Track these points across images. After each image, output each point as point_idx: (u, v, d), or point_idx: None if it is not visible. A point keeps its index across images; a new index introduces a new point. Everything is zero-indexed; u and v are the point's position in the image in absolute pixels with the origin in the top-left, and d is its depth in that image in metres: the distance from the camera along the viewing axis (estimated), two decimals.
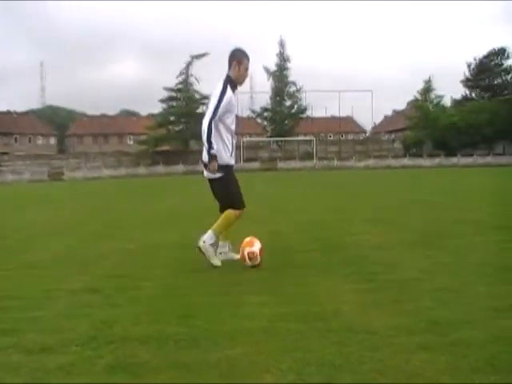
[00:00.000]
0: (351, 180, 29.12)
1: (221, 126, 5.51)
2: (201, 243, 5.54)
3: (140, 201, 17.17)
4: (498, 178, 27.25)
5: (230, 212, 5.64)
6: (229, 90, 5.51)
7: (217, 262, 5.58)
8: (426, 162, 59.67)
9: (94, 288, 4.75)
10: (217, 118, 5.40)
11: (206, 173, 5.70)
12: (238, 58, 5.65)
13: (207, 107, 5.63)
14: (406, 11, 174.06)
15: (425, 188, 20.03)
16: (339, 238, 7.37)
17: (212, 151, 5.38)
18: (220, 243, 5.84)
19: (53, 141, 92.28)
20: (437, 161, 59.57)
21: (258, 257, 5.41)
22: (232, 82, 5.60)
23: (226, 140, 5.57)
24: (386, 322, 3.54)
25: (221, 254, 5.82)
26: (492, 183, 22.49)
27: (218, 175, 5.54)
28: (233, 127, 5.67)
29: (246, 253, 5.42)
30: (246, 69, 5.71)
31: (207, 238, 5.54)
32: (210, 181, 5.76)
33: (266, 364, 2.90)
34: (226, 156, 5.58)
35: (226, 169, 5.55)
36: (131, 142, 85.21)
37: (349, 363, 2.90)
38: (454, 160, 59.11)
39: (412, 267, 5.23)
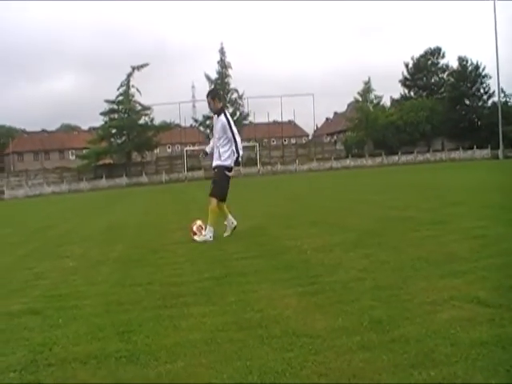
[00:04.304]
0: (294, 184, 29.30)
1: None
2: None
3: (81, 217, 16.83)
4: (435, 174, 27.94)
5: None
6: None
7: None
8: (367, 161, 60.69)
9: (33, 309, 4.63)
10: None
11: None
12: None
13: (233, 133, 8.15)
14: (342, 14, 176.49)
15: (365, 188, 20.31)
16: (280, 242, 7.38)
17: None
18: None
19: None
20: (378, 160, 60.61)
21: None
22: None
23: None
24: (328, 324, 3.57)
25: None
26: (429, 179, 23.00)
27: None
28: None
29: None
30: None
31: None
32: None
33: (208, 375, 2.88)
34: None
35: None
36: (73, 157, 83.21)
37: (291, 368, 2.91)
38: (395, 158, 60.33)
39: (353, 267, 5.30)
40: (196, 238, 8.01)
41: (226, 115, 8.21)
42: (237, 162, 8.23)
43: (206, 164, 64.83)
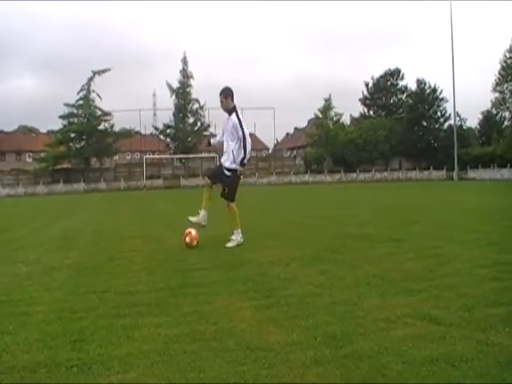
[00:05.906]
0: (254, 196, 29.32)
1: None
2: None
3: (37, 221, 16.48)
4: (392, 193, 28.42)
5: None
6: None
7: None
8: (326, 177, 61.28)
9: None
10: None
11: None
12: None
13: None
14: (306, 29, 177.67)
15: (324, 203, 20.49)
16: (238, 254, 7.38)
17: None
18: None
19: None
20: (337, 176, 61.33)
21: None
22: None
23: None
24: (282, 338, 3.57)
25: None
26: (387, 197, 23.37)
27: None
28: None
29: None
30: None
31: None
32: None
33: None
34: None
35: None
36: (30, 160, 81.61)
37: (244, 381, 2.89)
38: (354, 175, 61.13)
39: (309, 282, 5.32)
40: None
41: (237, 114, 8.18)
42: (242, 163, 8.20)
43: (165, 173, 64.71)
